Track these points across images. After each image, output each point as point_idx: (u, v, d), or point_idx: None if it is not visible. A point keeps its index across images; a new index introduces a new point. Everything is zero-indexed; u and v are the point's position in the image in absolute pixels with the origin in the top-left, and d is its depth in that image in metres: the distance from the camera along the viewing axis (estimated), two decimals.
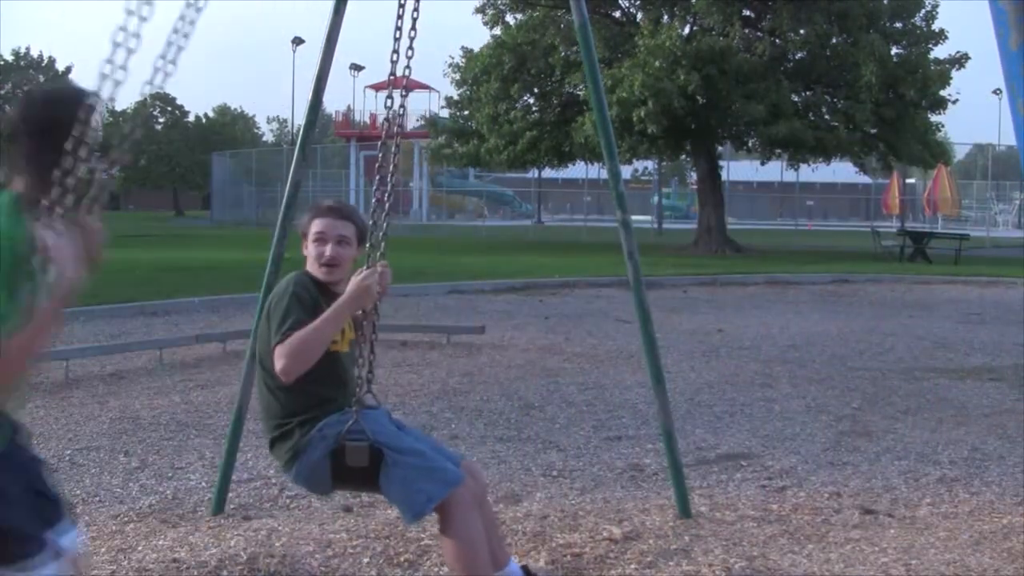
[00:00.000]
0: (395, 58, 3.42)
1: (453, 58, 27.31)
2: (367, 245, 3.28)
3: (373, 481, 3.14)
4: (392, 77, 3.44)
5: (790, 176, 36.10)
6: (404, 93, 3.43)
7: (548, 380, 7.65)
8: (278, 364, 3.03)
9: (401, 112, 3.43)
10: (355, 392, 3.21)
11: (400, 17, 3.42)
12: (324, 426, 3.16)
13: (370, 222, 3.32)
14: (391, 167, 3.36)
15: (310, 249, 3.29)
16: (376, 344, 3.34)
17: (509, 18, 26.79)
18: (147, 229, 36.16)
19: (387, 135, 3.41)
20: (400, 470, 3.09)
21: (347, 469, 3.12)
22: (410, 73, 3.44)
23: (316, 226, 3.27)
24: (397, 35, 3.41)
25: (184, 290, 13.23)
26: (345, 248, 3.26)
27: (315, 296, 3.17)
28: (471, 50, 26.85)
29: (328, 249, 3.24)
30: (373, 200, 3.35)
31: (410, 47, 3.44)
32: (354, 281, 3.14)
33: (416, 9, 3.45)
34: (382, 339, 10.15)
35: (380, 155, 3.42)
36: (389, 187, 3.36)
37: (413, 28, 3.43)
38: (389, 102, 3.40)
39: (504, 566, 3.33)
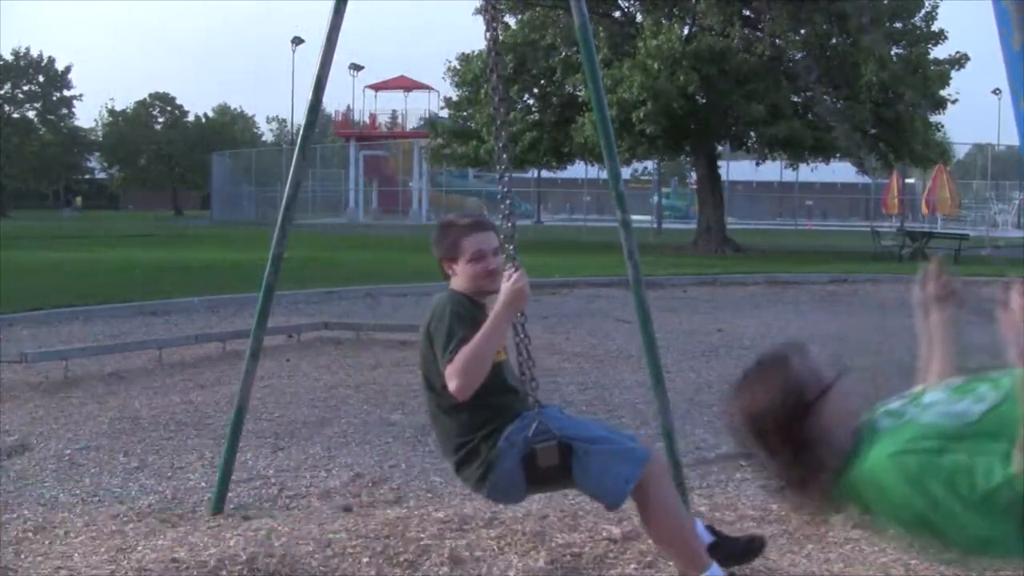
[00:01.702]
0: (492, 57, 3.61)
1: (450, 62, 27.36)
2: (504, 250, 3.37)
3: (567, 477, 3.19)
4: (494, 75, 3.64)
5: (790, 176, 36.18)
6: (501, 93, 3.60)
7: (548, 380, 7.63)
8: (452, 384, 3.07)
9: (499, 120, 3.55)
10: (527, 395, 3.27)
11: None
12: (510, 434, 3.20)
13: (508, 225, 3.40)
14: (505, 171, 3.51)
15: (466, 268, 3.33)
16: (530, 345, 3.44)
17: (509, 19, 26.79)
18: (147, 229, 36.16)
19: (502, 148, 3.50)
20: (593, 459, 3.14)
21: (541, 471, 3.16)
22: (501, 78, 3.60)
23: (474, 243, 3.33)
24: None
25: (184, 290, 13.23)
26: (500, 258, 3.36)
27: (472, 312, 3.25)
28: (468, 54, 26.89)
29: (492, 262, 3.32)
30: (501, 204, 3.45)
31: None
32: (506, 287, 3.18)
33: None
34: (382, 339, 10.16)
35: (504, 156, 3.50)
36: (509, 190, 3.47)
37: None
38: (498, 106, 3.59)
39: (694, 529, 3.41)
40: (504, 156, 3.55)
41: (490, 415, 3.23)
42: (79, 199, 70.01)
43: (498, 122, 3.66)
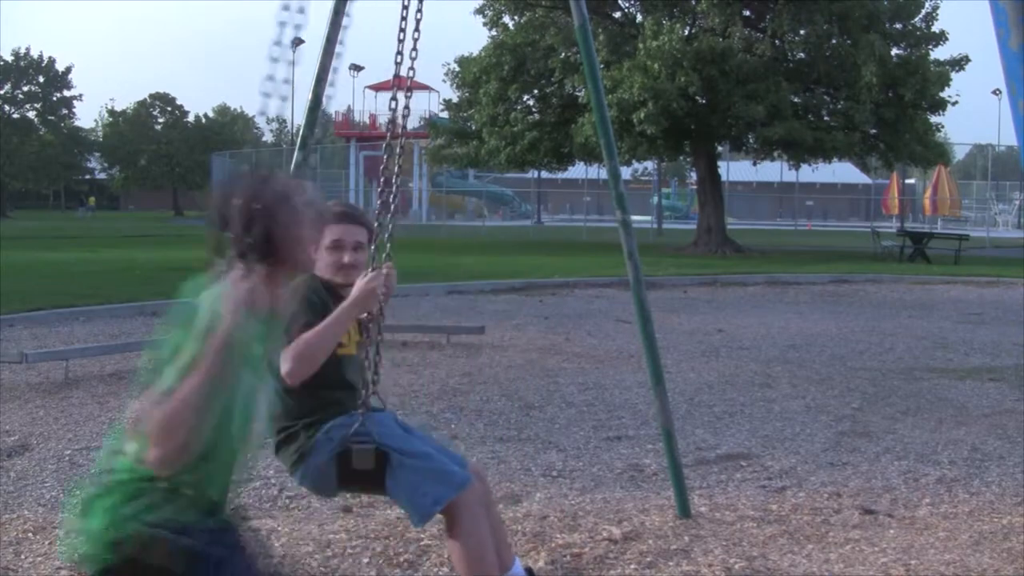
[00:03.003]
0: (399, 59, 3.40)
1: (448, 64, 27.42)
2: (373, 247, 3.27)
3: (379, 483, 3.14)
4: (396, 78, 3.41)
5: (790, 176, 36.19)
6: (408, 94, 3.41)
7: (548, 380, 7.65)
8: (284, 367, 3.02)
9: (406, 114, 3.42)
10: (361, 395, 3.21)
11: (404, 19, 3.41)
12: (330, 429, 3.15)
13: (375, 224, 3.31)
14: (396, 169, 3.36)
15: (323, 255, 3.24)
16: (382, 346, 3.33)
17: (507, 20, 26.80)
18: (147, 229, 36.18)
19: (392, 136, 3.40)
20: (406, 473, 3.08)
21: (353, 472, 3.11)
22: (414, 75, 3.42)
23: (331, 233, 3.23)
24: (401, 36, 3.39)
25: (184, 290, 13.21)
26: (361, 253, 3.26)
27: (325, 299, 3.17)
28: (466, 56, 26.90)
29: (347, 256, 3.23)
30: (378, 202, 3.35)
31: (414, 48, 3.42)
32: (358, 284, 3.11)
33: (419, 10, 3.44)
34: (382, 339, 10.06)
35: (385, 156, 3.40)
36: (394, 189, 3.36)
37: (417, 29, 3.42)
38: (393, 103, 3.39)
39: (509, 568, 3.33)
40: (396, 154, 3.42)
41: (317, 406, 3.17)
42: (92, 199, 70.03)
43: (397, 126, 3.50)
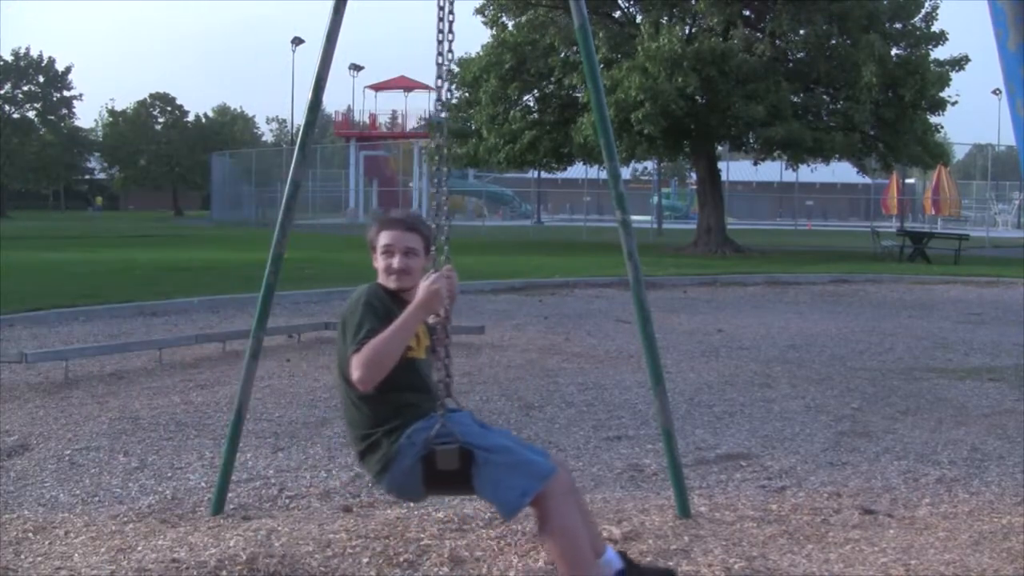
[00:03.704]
0: (439, 60, 3.47)
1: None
2: (433, 251, 3.32)
3: (466, 483, 3.16)
4: (438, 82, 3.51)
5: (790, 176, 36.14)
6: (449, 95, 3.50)
7: (548, 380, 7.65)
8: (355, 374, 3.05)
9: (443, 117, 3.49)
10: (438, 397, 3.23)
11: (441, 20, 3.48)
12: (412, 432, 3.18)
13: (443, 225, 3.36)
14: (445, 170, 3.46)
15: (379, 261, 3.32)
16: (450, 348, 3.36)
17: (507, 20, 26.79)
18: (147, 229, 36.17)
19: (437, 144, 3.45)
20: (492, 468, 3.10)
21: (439, 473, 3.13)
22: (450, 80, 3.50)
23: (383, 239, 3.31)
24: (440, 37, 3.48)
25: (184, 290, 13.23)
26: (412, 259, 3.30)
27: (388, 305, 3.20)
28: (466, 57, 26.91)
29: (396, 261, 3.28)
30: (433, 204, 3.41)
31: (450, 50, 3.50)
32: (422, 287, 3.16)
33: (451, 11, 3.50)
34: None
35: (437, 158, 3.46)
36: (446, 189, 3.43)
37: (451, 30, 3.50)
38: (438, 105, 3.49)
39: (602, 554, 3.35)
40: (439, 158, 3.49)
41: (395, 411, 3.20)
42: (100, 199, 70.06)
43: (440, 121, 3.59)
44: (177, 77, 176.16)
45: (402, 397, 3.21)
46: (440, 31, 3.49)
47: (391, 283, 3.27)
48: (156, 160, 67.05)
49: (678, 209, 54.81)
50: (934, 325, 11.51)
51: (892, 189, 37.47)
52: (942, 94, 24.57)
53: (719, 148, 28.98)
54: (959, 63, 25.45)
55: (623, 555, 3.47)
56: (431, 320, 3.32)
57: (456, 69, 26.90)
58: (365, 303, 3.17)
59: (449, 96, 3.52)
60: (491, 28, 26.97)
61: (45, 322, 10.49)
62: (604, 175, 5.45)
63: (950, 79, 24.75)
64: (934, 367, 8.54)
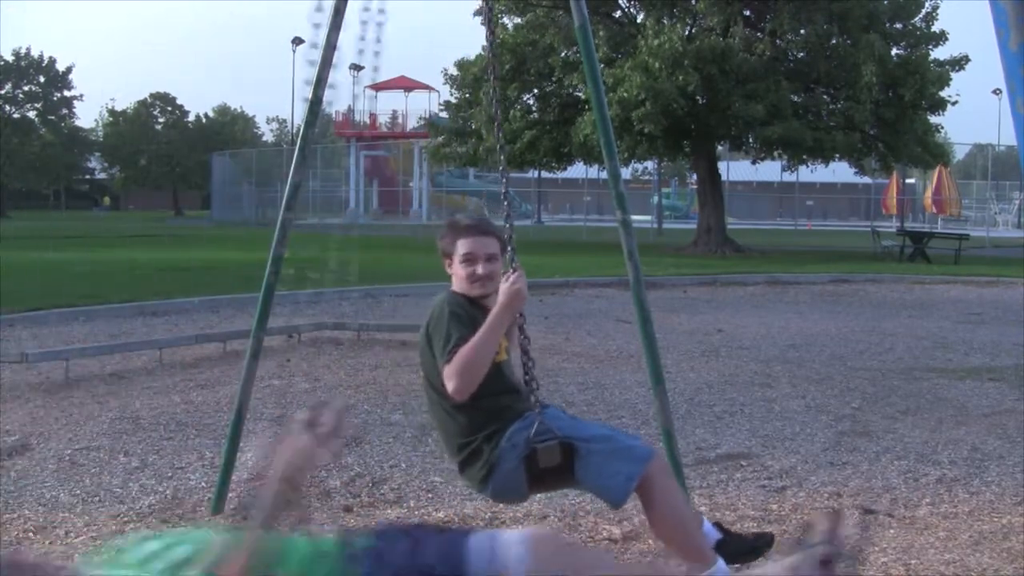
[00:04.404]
0: (489, 73, 3.74)
1: (447, 70, 27.49)
2: (509, 251, 3.37)
3: (568, 477, 3.20)
4: (493, 78, 3.74)
5: (790, 176, 36.13)
6: (496, 89, 3.68)
7: (548, 380, 7.64)
8: (450, 385, 3.07)
9: (497, 111, 3.60)
10: (528, 396, 3.27)
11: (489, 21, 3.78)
12: (512, 434, 3.20)
13: (507, 226, 3.41)
14: (506, 172, 3.57)
15: (458, 269, 3.35)
16: (529, 346, 3.44)
17: (506, 20, 26.80)
18: (147, 229, 36.17)
19: (500, 147, 3.55)
20: (595, 458, 3.14)
21: (542, 470, 3.16)
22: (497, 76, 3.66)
23: (463, 247, 3.34)
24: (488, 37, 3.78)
25: (184, 290, 13.23)
26: (495, 264, 3.34)
27: (470, 312, 3.25)
28: (465, 60, 26.95)
29: (480, 268, 3.31)
30: (504, 203, 3.49)
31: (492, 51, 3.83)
32: (503, 289, 3.20)
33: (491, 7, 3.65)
34: (383, 339, 10.14)
35: (502, 158, 3.56)
36: (507, 190, 3.52)
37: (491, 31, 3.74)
38: (497, 108, 3.66)
39: (701, 526, 3.40)
40: (503, 157, 3.57)
41: (491, 416, 3.23)
42: (107, 199, 70.04)
43: (496, 122, 3.67)
44: (177, 77, 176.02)
45: (496, 401, 3.24)
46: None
47: (475, 290, 3.30)
48: (156, 160, 66.98)
49: (678, 209, 54.75)
50: (934, 325, 11.51)
51: (892, 189, 37.46)
52: (942, 94, 24.56)
53: (719, 148, 28.97)
54: (959, 63, 25.45)
55: (718, 525, 3.52)
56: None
57: (456, 73, 27.02)
58: (450, 312, 3.20)
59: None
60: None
61: (45, 322, 10.49)
62: (604, 175, 5.45)
63: (950, 79, 24.75)
64: (934, 367, 8.54)
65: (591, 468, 3.14)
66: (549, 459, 3.14)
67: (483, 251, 3.33)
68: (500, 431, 3.21)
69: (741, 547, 3.46)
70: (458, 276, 3.35)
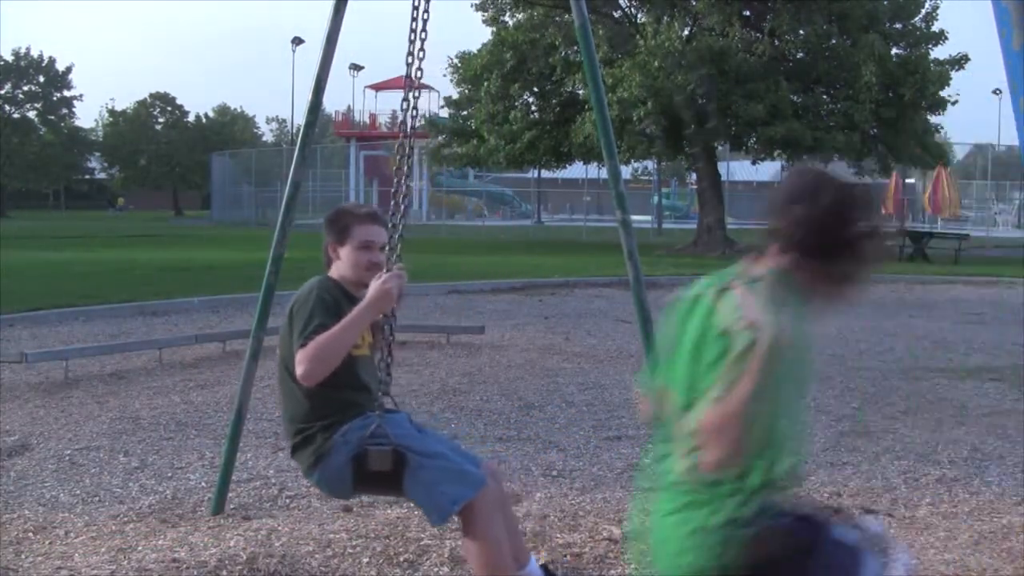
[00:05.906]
0: (410, 60, 3.42)
1: (452, 59, 27.44)
2: (388, 248, 3.28)
3: (396, 485, 3.15)
4: (407, 79, 3.43)
5: None
6: (416, 95, 3.43)
7: (548, 380, 7.65)
8: (299, 368, 3.03)
9: (414, 115, 3.44)
10: (377, 396, 3.21)
11: (414, 19, 3.42)
12: (347, 431, 3.16)
13: (396, 223, 3.32)
14: (405, 169, 3.37)
15: (350, 255, 3.28)
16: (393, 347, 3.33)
17: (507, 18, 26.82)
18: (147, 229, 36.17)
19: (403, 137, 3.41)
20: (425, 473, 3.09)
21: (370, 473, 3.12)
22: (422, 76, 3.43)
23: (363, 233, 3.28)
24: (412, 37, 3.41)
25: (184, 290, 13.23)
26: (383, 254, 3.28)
27: (339, 300, 3.18)
28: (468, 52, 26.95)
29: (376, 256, 3.26)
30: (392, 203, 3.36)
31: (421, 48, 3.44)
32: (374, 285, 3.13)
33: (427, 10, 3.45)
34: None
35: (398, 157, 3.41)
36: (404, 189, 3.37)
37: (424, 29, 3.44)
38: (405, 104, 3.40)
39: (525, 565, 3.35)
40: (400, 156, 3.42)
41: (334, 408, 3.18)
42: (121, 199, 69.95)
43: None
44: (177, 77, 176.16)
45: (343, 395, 3.19)
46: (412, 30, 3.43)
47: (370, 277, 3.21)
48: (156, 160, 66.97)
49: (678, 209, 54.71)
50: (934, 325, 11.51)
51: (892, 189, 37.39)
52: (942, 93, 24.57)
53: (719, 148, 28.97)
54: (959, 62, 25.45)
55: (545, 568, 3.47)
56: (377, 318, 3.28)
57: (458, 64, 27.00)
58: (317, 297, 3.14)
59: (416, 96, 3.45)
60: (491, 26, 27.01)
61: (45, 322, 10.49)
62: (604, 174, 5.45)
63: (950, 78, 24.76)
64: (934, 367, 8.54)
65: (419, 482, 3.09)
66: (379, 463, 3.09)
67: (380, 239, 3.28)
68: (337, 424, 3.17)
69: None
70: (351, 262, 3.27)
